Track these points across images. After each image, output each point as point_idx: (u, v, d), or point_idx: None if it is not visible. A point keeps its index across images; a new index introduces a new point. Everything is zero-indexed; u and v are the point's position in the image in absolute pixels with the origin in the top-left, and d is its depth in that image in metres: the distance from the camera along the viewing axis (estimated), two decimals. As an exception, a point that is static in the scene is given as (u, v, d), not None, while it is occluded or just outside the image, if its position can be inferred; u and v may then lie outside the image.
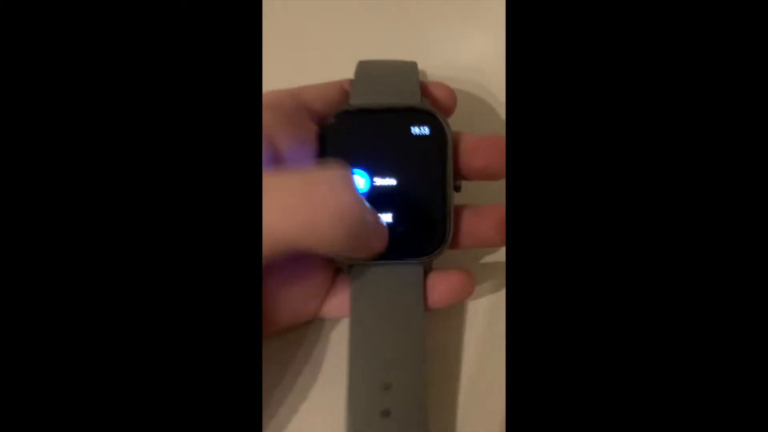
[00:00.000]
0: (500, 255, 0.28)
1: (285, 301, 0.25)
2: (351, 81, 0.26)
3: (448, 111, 0.26)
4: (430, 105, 0.25)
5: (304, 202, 0.20)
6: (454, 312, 0.27)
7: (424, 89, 0.26)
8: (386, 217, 0.25)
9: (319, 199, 0.20)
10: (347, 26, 0.33)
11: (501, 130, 0.30)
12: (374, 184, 0.25)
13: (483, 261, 0.28)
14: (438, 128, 0.25)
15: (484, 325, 0.27)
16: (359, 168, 0.25)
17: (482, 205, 0.26)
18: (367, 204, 0.22)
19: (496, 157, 0.25)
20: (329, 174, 0.21)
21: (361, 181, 0.25)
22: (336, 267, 0.26)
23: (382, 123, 0.25)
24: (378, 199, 0.25)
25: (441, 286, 0.25)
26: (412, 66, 0.27)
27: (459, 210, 0.25)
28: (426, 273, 0.25)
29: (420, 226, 0.25)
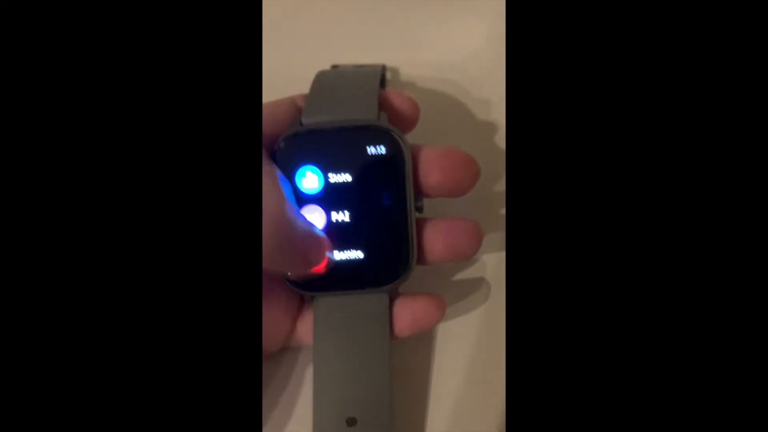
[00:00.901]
0: (474, 271, 0.27)
1: None
2: (304, 96, 0.24)
3: (410, 123, 0.25)
4: (386, 120, 0.23)
5: None
6: (424, 335, 0.25)
7: (383, 101, 0.24)
8: (346, 248, 0.23)
9: None
10: (329, 23, 0.31)
11: (484, 131, 0.29)
12: (332, 213, 0.23)
13: (456, 277, 0.27)
14: (394, 146, 0.23)
15: (458, 347, 0.25)
16: (313, 197, 0.23)
17: (439, 220, 0.24)
18: (297, 211, 0.21)
19: (451, 172, 0.23)
20: None
21: (319, 217, 0.23)
22: (301, 296, 0.25)
23: (335, 144, 0.23)
24: (336, 226, 0.23)
25: (408, 314, 0.23)
26: (373, 74, 0.25)
27: (422, 225, 0.24)
28: (392, 300, 0.24)
29: (382, 254, 0.23)
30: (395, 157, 0.23)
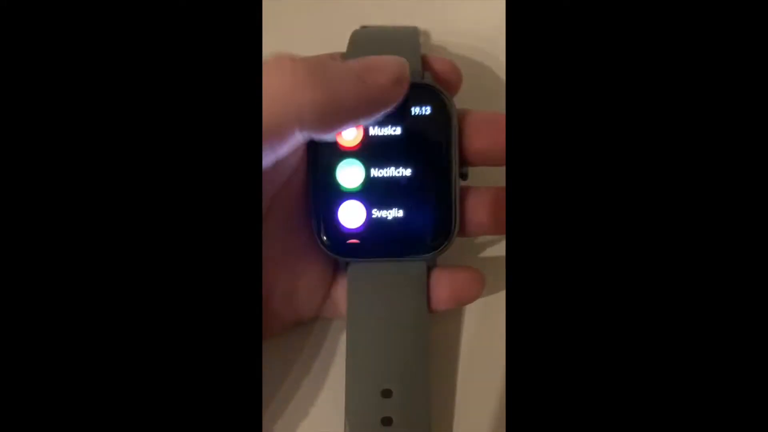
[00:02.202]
0: (500, 249, 0.26)
1: (286, 295, 0.22)
2: (342, 54, 0.23)
3: (453, 89, 0.23)
4: (432, 80, 0.22)
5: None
6: (451, 311, 0.24)
7: (425, 63, 0.23)
8: (386, 211, 0.22)
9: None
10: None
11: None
12: (371, 173, 0.22)
13: (482, 255, 0.26)
14: (441, 107, 0.22)
15: (481, 324, 0.24)
16: (351, 156, 0.22)
17: (484, 189, 0.23)
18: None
19: (497, 138, 0.22)
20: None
21: (357, 173, 0.22)
22: (335, 263, 0.23)
23: None
24: (376, 189, 0.22)
25: (447, 286, 0.22)
26: (412, 33, 0.24)
27: (464, 193, 0.23)
28: (429, 270, 0.22)
29: (423, 220, 0.22)
30: (443, 119, 0.22)
